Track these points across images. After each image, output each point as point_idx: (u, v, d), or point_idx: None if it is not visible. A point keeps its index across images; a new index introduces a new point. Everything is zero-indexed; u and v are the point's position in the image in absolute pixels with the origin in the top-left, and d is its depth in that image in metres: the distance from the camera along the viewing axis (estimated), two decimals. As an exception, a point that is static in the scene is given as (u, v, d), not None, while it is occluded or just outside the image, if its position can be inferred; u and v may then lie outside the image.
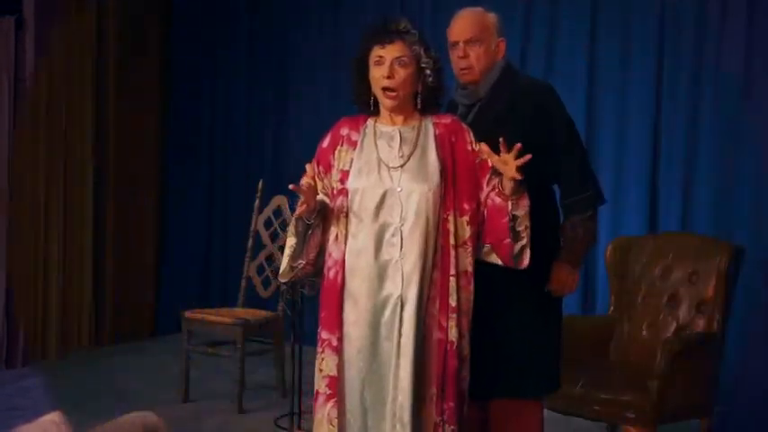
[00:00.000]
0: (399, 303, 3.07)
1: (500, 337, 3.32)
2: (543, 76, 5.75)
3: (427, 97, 3.20)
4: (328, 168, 3.20)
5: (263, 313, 5.57)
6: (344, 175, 3.16)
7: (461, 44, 3.43)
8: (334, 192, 3.18)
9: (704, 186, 5.56)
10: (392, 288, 3.08)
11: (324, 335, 3.12)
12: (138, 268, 7.19)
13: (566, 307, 3.66)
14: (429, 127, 3.20)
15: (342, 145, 3.19)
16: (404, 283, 3.07)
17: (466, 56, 3.43)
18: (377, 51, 3.15)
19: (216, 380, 5.92)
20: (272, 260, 5.71)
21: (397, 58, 3.12)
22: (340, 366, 3.08)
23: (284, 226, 5.69)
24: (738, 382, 5.31)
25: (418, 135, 3.19)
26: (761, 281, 5.33)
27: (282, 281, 3.30)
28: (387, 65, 3.12)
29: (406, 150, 3.16)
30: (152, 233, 7.35)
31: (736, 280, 4.37)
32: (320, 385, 3.12)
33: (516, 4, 6.00)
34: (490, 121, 3.32)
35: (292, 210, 5.57)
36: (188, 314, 5.50)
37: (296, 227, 3.16)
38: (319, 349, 3.12)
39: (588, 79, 5.88)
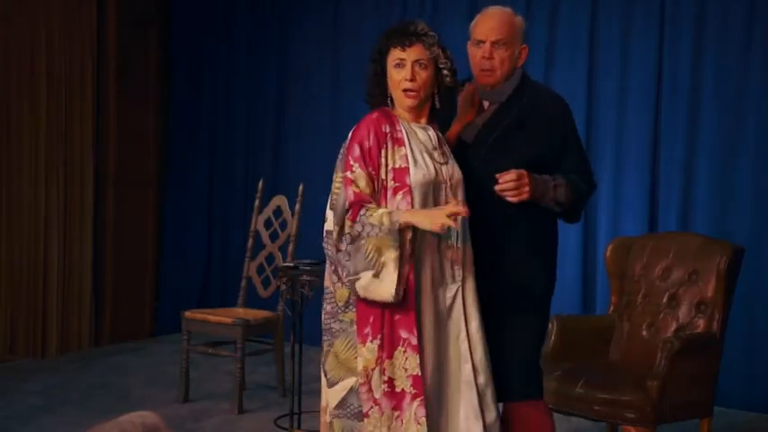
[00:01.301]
0: (461, 294, 3.16)
1: (500, 342, 3.30)
2: (543, 77, 5.76)
3: (444, 97, 3.23)
4: (377, 169, 3.11)
5: (263, 313, 5.57)
6: (399, 172, 3.11)
7: (488, 44, 3.30)
8: (388, 191, 3.12)
9: (704, 186, 5.57)
10: (451, 282, 3.16)
11: (403, 334, 3.08)
12: (138, 268, 7.19)
13: (566, 307, 3.67)
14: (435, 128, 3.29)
15: (387, 142, 3.13)
16: (464, 273, 3.17)
17: (491, 57, 3.30)
18: (397, 54, 3.16)
19: (216, 380, 5.92)
20: (274, 259, 5.72)
21: (417, 60, 3.14)
22: (422, 365, 3.10)
23: (284, 226, 5.69)
24: (738, 382, 5.32)
25: (440, 136, 3.26)
26: (761, 281, 5.34)
27: (393, 298, 3.06)
28: (408, 68, 3.14)
29: (443, 149, 3.22)
30: (152, 233, 7.34)
31: (736, 280, 4.37)
32: (405, 384, 3.10)
33: (516, 3, 6.00)
34: (503, 128, 3.29)
35: (292, 210, 5.64)
36: (188, 314, 5.50)
37: (397, 238, 3.02)
38: (401, 348, 3.09)
39: (588, 79, 5.88)
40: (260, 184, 5.88)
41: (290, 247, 5.56)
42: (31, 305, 6.41)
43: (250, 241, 5.81)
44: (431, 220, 2.99)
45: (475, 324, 3.18)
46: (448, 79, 3.20)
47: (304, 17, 6.99)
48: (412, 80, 3.13)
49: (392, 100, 3.21)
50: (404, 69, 3.14)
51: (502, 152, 3.27)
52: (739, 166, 5.48)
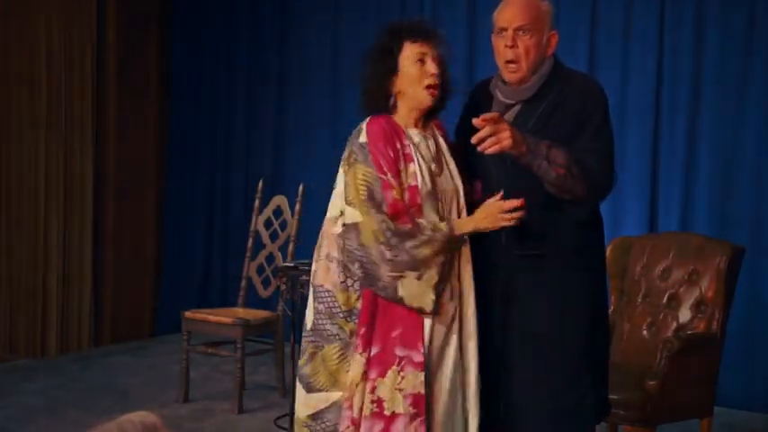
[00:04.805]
0: (458, 314, 2.99)
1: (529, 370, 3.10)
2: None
3: (443, 97, 3.06)
4: (398, 178, 2.95)
5: (263, 313, 5.57)
6: (411, 191, 2.94)
7: (510, 31, 3.03)
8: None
9: (704, 186, 5.57)
10: (449, 300, 2.99)
11: (399, 351, 2.91)
12: (138, 268, 7.19)
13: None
14: (436, 132, 3.10)
15: (402, 157, 2.95)
16: (462, 293, 3.00)
17: (514, 45, 3.02)
18: (417, 48, 2.98)
19: (216, 380, 5.92)
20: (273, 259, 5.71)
21: (438, 55, 3.00)
22: (430, 383, 2.92)
23: (284, 226, 5.69)
24: (738, 382, 5.32)
25: (437, 142, 3.09)
26: (761, 281, 5.34)
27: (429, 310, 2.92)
28: (434, 63, 2.98)
29: (439, 159, 3.05)
30: (152, 233, 7.34)
31: (736, 280, 4.37)
32: (399, 406, 2.88)
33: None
34: (528, 130, 2.96)
35: (292, 210, 5.63)
36: (188, 314, 5.50)
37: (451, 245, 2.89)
38: (396, 368, 2.90)
39: (588, 79, 5.88)
40: (260, 184, 5.88)
41: (290, 247, 5.56)
42: (31, 305, 6.41)
43: (250, 241, 5.81)
44: (491, 221, 2.89)
45: (470, 351, 3.01)
46: (449, 79, 3.05)
47: (304, 17, 6.99)
48: (437, 75, 2.97)
49: (392, 103, 3.03)
50: (426, 64, 2.97)
51: None
52: (739, 166, 5.48)
